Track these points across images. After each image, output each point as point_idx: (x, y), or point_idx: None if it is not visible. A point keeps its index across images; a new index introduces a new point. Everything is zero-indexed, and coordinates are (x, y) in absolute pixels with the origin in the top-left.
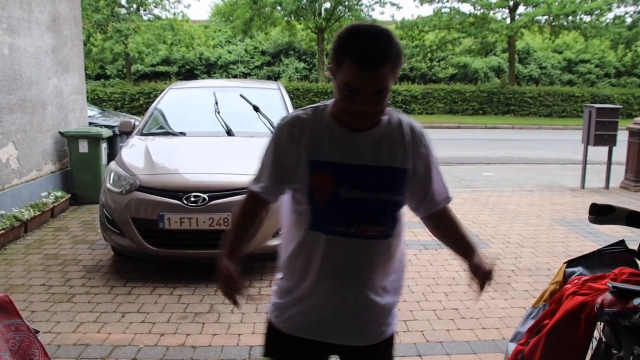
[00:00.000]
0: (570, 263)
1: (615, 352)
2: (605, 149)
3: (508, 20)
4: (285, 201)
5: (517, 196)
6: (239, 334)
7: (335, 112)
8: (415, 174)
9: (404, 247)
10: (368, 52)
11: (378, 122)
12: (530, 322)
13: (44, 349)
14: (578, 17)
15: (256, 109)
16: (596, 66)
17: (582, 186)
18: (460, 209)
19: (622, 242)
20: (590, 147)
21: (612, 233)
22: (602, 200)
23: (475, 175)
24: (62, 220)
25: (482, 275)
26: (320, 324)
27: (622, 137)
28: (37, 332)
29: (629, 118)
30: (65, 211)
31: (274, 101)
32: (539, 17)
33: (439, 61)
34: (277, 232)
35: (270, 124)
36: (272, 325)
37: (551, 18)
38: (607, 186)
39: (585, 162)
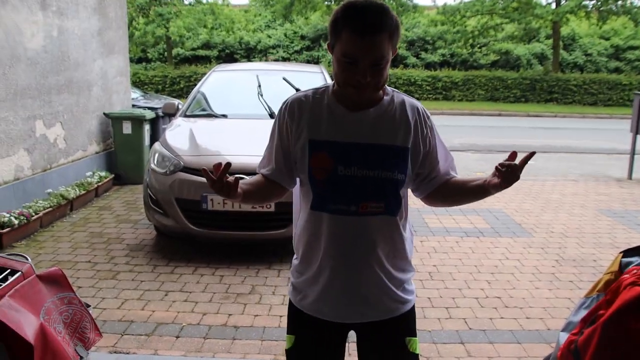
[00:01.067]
0: (627, 253)
1: None
2: None
3: (553, 5)
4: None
5: (560, 185)
6: (281, 316)
7: (336, 90)
8: (417, 153)
9: (411, 229)
10: (364, 21)
11: (379, 101)
12: (584, 312)
13: (95, 323)
14: (628, 1)
15: (299, 92)
16: None
17: (630, 176)
18: (502, 197)
19: None
20: (638, 137)
21: None
22: None
23: None
24: (105, 199)
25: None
26: (332, 305)
27: None
28: (89, 306)
29: None
30: (109, 191)
31: (317, 85)
32: (586, 2)
33: (480, 47)
34: None
35: None
36: (291, 304)
37: (599, 3)
38: None
39: (633, 152)
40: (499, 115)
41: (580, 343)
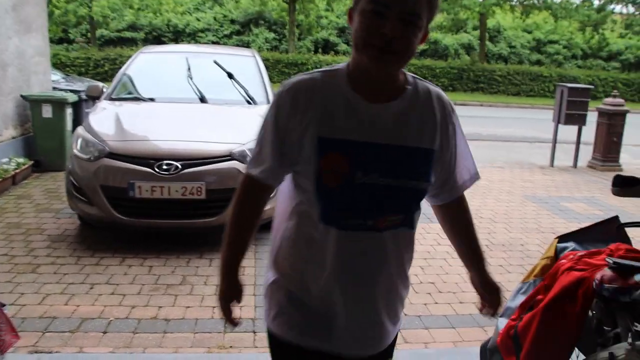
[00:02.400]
0: (562, 238)
1: (607, 328)
2: (573, 129)
3: None
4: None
5: (487, 172)
6: (214, 307)
7: (352, 73)
8: (441, 156)
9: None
10: None
11: (402, 92)
12: (521, 298)
13: (11, 324)
14: None
15: (230, 76)
16: (564, 47)
17: (552, 164)
18: None
19: (616, 218)
20: (560, 126)
21: (582, 211)
22: (570, 178)
23: None
24: (24, 187)
25: (492, 290)
26: (330, 333)
27: (591, 117)
28: (3, 305)
29: (594, 100)
30: (28, 178)
31: (249, 69)
32: None
33: None
34: None
35: (245, 92)
36: (278, 340)
37: None
38: (575, 165)
39: (555, 141)
40: None
41: (520, 328)
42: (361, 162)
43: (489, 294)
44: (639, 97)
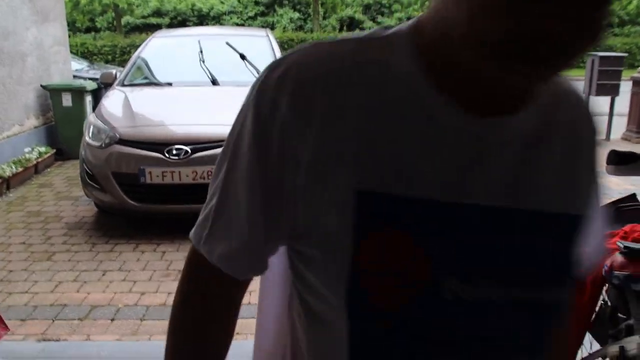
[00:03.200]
0: None
1: (622, 316)
2: (606, 99)
3: None
4: (272, 268)
5: None
6: None
7: (428, 45)
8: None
9: None
10: None
11: (530, 95)
12: None
13: (0, 317)
14: None
15: (243, 57)
16: None
17: None
18: None
19: (633, 197)
20: (591, 98)
21: (614, 186)
22: (602, 152)
23: None
24: (46, 176)
25: None
26: None
27: (624, 87)
28: None
29: (632, 68)
30: (50, 167)
31: (262, 49)
32: None
33: None
34: None
35: (259, 73)
36: None
37: None
38: (607, 137)
39: None
40: None
41: None
42: (456, 253)
43: None
44: None
